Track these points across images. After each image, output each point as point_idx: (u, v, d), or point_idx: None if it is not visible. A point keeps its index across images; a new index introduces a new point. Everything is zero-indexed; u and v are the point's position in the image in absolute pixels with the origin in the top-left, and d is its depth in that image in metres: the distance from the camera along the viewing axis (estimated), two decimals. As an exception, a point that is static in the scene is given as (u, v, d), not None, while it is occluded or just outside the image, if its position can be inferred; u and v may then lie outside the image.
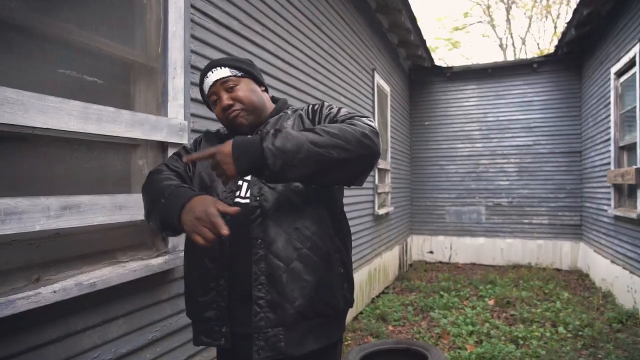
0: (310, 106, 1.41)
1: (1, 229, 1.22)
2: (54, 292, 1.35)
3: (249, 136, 1.15)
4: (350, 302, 1.38)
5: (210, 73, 1.38)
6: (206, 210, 1.09)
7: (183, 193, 1.20)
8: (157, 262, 1.78)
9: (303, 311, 1.21)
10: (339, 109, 1.36)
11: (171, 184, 1.29)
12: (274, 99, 1.55)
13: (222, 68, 1.37)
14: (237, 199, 1.27)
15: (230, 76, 1.36)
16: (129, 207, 1.66)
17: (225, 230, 1.06)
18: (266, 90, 1.51)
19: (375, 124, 1.28)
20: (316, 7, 3.76)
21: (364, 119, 1.25)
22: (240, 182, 1.30)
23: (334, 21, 4.21)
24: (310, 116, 1.38)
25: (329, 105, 1.39)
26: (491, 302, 5.17)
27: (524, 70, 7.63)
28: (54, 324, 1.40)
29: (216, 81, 1.36)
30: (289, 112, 1.43)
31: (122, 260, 1.70)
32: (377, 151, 1.19)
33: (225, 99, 1.35)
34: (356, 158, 1.14)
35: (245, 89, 1.37)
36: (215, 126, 2.28)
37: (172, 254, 1.89)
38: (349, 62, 4.71)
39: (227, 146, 1.11)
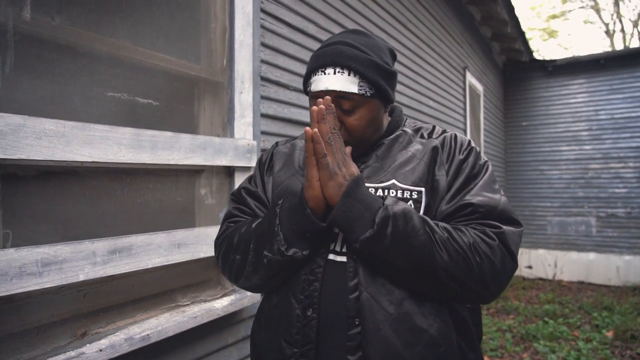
0: (454, 144, 1.00)
1: (37, 282, 1.05)
2: (100, 350, 1.17)
3: (374, 192, 0.93)
4: None
5: (330, 71, 0.91)
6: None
7: (288, 198, 0.95)
8: (221, 305, 1.56)
9: None
10: (485, 179, 0.95)
11: (260, 216, 1.04)
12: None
13: (352, 75, 0.91)
14: (331, 255, 0.94)
15: (355, 94, 0.91)
16: (189, 245, 1.45)
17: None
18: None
19: (518, 242, 0.91)
20: (401, 2, 3.39)
21: (511, 230, 0.90)
22: (336, 229, 0.94)
23: (421, 17, 3.81)
24: (448, 158, 0.98)
25: (475, 163, 0.97)
26: (609, 334, 4.39)
27: (646, 59, 6.54)
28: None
29: (332, 91, 0.92)
30: (409, 131, 1.04)
31: (182, 304, 1.50)
32: (496, 296, 0.91)
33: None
34: (465, 293, 0.87)
35: (366, 117, 0.95)
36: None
37: (239, 293, 1.67)
38: (438, 61, 4.26)
39: (354, 169, 0.89)
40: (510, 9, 5.34)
